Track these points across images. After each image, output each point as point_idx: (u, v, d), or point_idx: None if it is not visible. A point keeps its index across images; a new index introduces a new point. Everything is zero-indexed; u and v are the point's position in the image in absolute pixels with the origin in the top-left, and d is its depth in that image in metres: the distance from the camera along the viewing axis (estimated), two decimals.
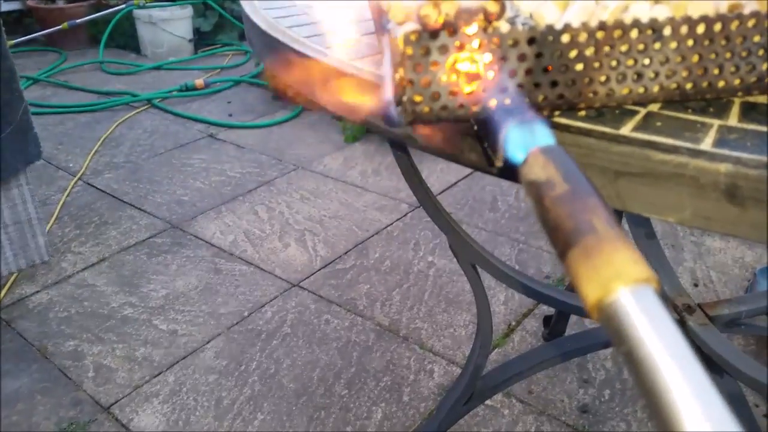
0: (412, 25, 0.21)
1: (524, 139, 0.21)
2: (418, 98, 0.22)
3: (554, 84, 0.23)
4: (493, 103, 0.22)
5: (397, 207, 1.77)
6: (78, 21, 2.83)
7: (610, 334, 0.18)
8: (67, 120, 2.34)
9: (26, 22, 3.08)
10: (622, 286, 0.17)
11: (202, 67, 2.86)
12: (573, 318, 1.27)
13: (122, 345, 1.29)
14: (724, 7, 0.22)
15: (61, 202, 1.79)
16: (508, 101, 0.22)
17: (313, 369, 1.22)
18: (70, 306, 1.40)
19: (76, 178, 1.92)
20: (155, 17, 2.84)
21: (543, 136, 0.20)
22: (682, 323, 0.78)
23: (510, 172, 0.24)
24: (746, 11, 0.22)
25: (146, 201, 1.81)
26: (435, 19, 0.20)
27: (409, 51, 0.21)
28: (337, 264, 1.53)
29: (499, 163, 0.24)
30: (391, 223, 1.69)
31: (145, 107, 2.44)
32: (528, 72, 0.22)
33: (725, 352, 0.73)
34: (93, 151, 2.08)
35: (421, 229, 1.66)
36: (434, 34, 0.21)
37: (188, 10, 2.92)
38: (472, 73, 0.22)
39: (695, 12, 0.22)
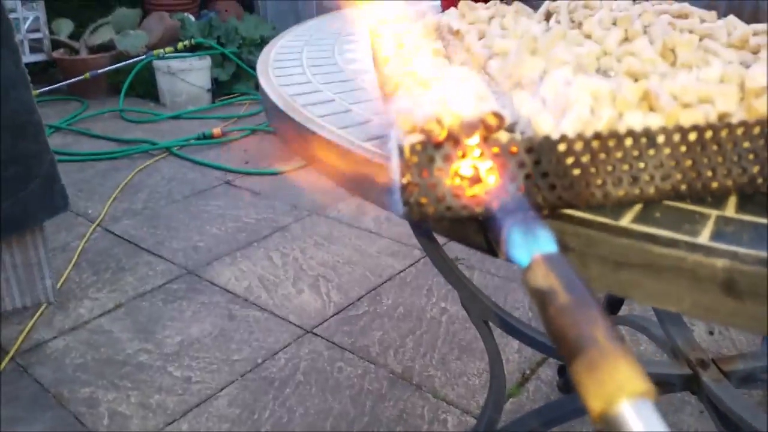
0: (418, 136, 0.22)
1: (527, 244, 0.22)
2: (423, 200, 0.24)
3: (552, 187, 0.24)
4: (494, 204, 0.23)
5: (410, 253, 1.78)
6: (99, 71, 2.92)
7: None
8: (87, 167, 2.40)
9: (50, 72, 3.19)
10: (623, 400, 0.18)
11: (220, 116, 2.92)
12: None
13: (137, 392, 1.29)
14: (714, 116, 0.24)
15: (79, 249, 1.82)
16: (509, 204, 0.23)
17: (326, 418, 1.21)
18: (86, 352, 1.41)
19: (94, 225, 1.96)
20: (174, 68, 2.93)
21: (545, 242, 0.22)
22: (696, 379, 0.78)
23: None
24: (734, 120, 0.23)
25: (163, 247, 1.84)
26: (438, 133, 0.22)
27: (415, 159, 0.23)
28: (350, 310, 1.54)
29: (502, 256, 0.26)
30: (404, 269, 1.70)
31: (164, 155, 2.49)
32: (527, 177, 0.24)
33: (741, 410, 0.72)
34: (112, 198, 2.13)
35: (434, 275, 1.66)
36: (438, 145, 0.23)
37: (207, 61, 3.01)
38: (474, 177, 0.23)
39: (687, 121, 0.23)
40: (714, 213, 0.29)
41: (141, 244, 1.85)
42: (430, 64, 0.28)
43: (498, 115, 0.22)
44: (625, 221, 0.28)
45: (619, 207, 0.27)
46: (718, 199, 0.30)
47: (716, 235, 0.27)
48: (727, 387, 0.76)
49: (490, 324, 0.77)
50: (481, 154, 0.23)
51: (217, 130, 2.56)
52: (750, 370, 0.79)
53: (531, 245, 0.22)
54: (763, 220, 0.28)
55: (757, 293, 0.26)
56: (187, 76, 2.94)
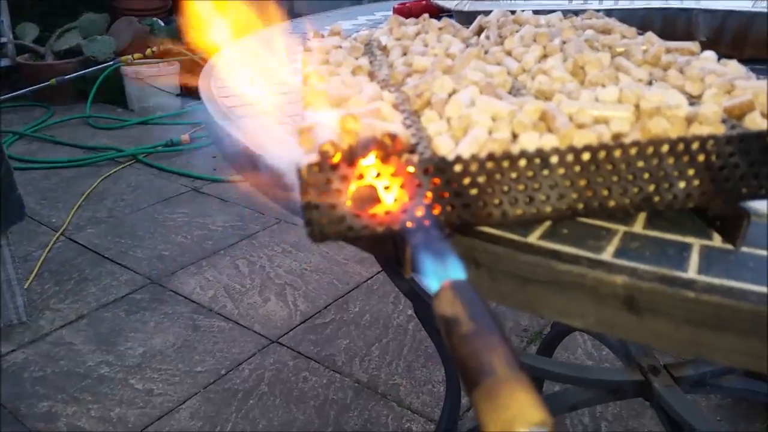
0: (315, 156, 0.22)
1: (437, 270, 0.22)
2: (323, 221, 0.24)
3: (451, 206, 0.24)
4: (395, 224, 0.23)
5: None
6: (66, 77, 2.87)
7: None
8: (52, 175, 2.36)
9: (14, 78, 3.12)
10: (519, 429, 0.18)
11: (189, 122, 2.89)
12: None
13: (97, 405, 1.27)
14: (608, 136, 0.24)
15: (41, 258, 1.78)
16: (415, 224, 0.23)
17: (289, 429, 1.20)
18: (45, 365, 1.38)
19: (58, 234, 1.92)
20: (143, 73, 2.89)
21: (454, 268, 0.22)
22: (647, 385, 0.79)
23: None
24: (628, 140, 0.24)
25: (127, 256, 1.81)
26: (333, 154, 0.22)
27: (312, 180, 0.23)
28: (316, 319, 1.53)
29: (407, 275, 0.26)
30: (372, 276, 1.70)
31: (130, 162, 2.46)
32: (425, 196, 0.24)
33: (690, 415, 0.73)
34: (76, 206, 2.09)
35: None
36: (334, 166, 0.23)
37: (175, 67, 2.98)
38: (373, 197, 0.23)
39: (581, 141, 0.24)
40: (622, 228, 0.29)
41: (105, 254, 1.82)
42: (344, 83, 0.28)
43: (392, 136, 0.22)
44: (533, 237, 0.28)
45: (527, 224, 0.27)
46: (627, 215, 0.30)
47: (620, 252, 0.27)
48: (677, 393, 0.77)
49: None
50: (379, 175, 0.23)
51: (185, 137, 2.53)
52: (700, 376, 0.81)
53: (440, 271, 0.22)
54: (668, 236, 0.29)
55: (656, 309, 0.26)
56: (156, 81, 2.91)
